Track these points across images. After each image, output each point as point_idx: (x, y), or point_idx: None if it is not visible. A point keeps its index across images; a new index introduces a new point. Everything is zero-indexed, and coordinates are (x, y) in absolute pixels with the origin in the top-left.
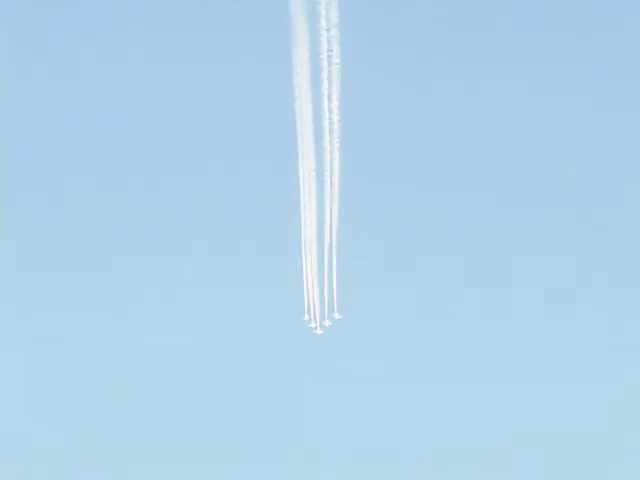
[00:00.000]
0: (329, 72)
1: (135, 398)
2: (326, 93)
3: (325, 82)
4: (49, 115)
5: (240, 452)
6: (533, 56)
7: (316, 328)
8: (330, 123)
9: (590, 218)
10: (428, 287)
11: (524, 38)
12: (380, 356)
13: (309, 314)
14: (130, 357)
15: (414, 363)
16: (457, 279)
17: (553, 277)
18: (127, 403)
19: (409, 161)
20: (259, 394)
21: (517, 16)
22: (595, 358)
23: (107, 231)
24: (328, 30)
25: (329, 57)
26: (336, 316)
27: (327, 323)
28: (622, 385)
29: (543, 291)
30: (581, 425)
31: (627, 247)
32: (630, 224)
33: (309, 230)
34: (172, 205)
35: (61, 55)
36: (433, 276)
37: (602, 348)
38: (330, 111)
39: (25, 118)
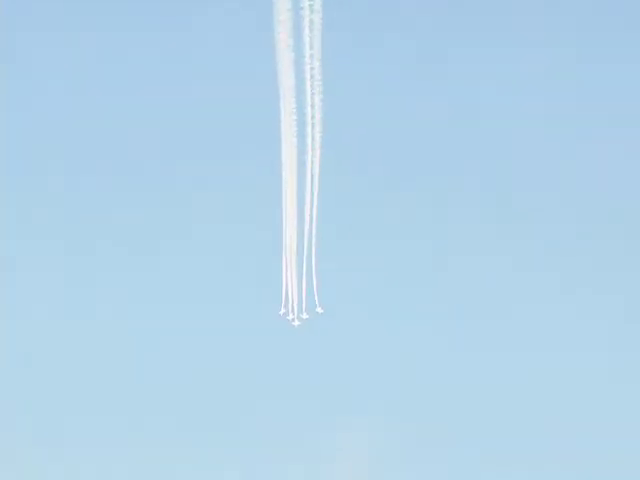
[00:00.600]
0: (311, 20)
1: (105, 390)
2: (308, 40)
3: (307, 30)
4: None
5: (220, 447)
6: (528, 66)
7: (293, 320)
8: (311, 69)
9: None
10: (409, 279)
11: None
12: (359, 349)
13: (286, 307)
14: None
15: (394, 355)
16: (442, 269)
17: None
18: (102, 392)
19: (393, 122)
20: (234, 385)
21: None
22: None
23: (89, 224)
24: None
25: (311, 6)
26: (318, 310)
27: (305, 315)
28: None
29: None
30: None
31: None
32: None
33: (290, 219)
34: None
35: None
36: (416, 268)
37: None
38: (311, 57)
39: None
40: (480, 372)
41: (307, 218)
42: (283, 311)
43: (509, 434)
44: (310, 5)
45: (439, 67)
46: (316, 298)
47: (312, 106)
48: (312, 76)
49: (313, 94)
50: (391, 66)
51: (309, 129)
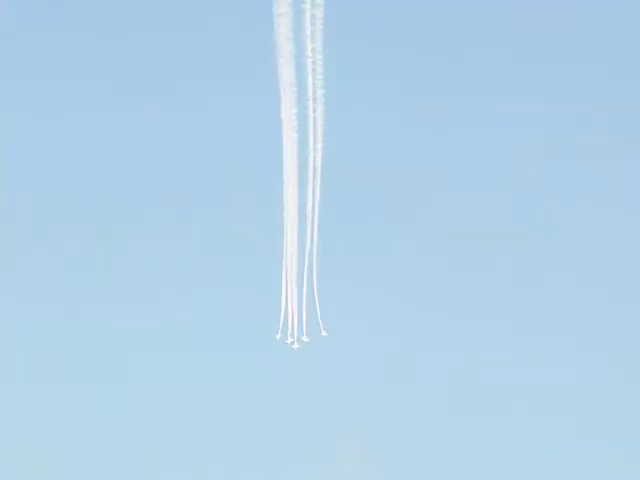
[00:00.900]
0: (312, 14)
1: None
2: (309, 34)
3: (308, 23)
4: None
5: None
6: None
7: (293, 343)
8: (313, 62)
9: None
10: (417, 295)
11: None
12: (363, 371)
13: (284, 330)
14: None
15: (399, 375)
16: (447, 285)
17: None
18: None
19: (397, 116)
20: (232, 398)
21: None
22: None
23: (93, 234)
24: None
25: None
26: (323, 333)
27: (305, 339)
28: None
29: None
30: None
31: None
32: None
33: (290, 223)
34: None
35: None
36: (425, 281)
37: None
38: (313, 50)
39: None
40: (481, 390)
41: (309, 222)
42: (280, 336)
43: (507, 435)
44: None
45: (442, 60)
46: (319, 320)
47: (314, 100)
48: (314, 70)
49: (315, 88)
50: (393, 60)
51: (310, 122)
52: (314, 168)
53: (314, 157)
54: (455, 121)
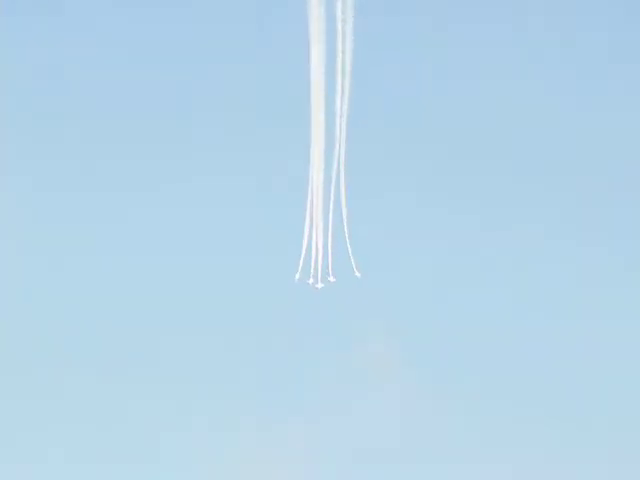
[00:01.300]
0: None
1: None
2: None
3: None
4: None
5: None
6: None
7: (316, 283)
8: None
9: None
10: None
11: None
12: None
13: (305, 268)
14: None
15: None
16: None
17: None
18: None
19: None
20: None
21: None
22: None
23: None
24: None
25: None
26: (356, 274)
27: (331, 279)
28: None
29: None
30: None
31: None
32: None
33: (317, 156)
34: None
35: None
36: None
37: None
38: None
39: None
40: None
41: (337, 133)
42: (300, 275)
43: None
44: None
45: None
46: (351, 257)
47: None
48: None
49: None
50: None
51: (339, 24)
52: (342, 73)
53: (343, 60)
54: (485, 25)
